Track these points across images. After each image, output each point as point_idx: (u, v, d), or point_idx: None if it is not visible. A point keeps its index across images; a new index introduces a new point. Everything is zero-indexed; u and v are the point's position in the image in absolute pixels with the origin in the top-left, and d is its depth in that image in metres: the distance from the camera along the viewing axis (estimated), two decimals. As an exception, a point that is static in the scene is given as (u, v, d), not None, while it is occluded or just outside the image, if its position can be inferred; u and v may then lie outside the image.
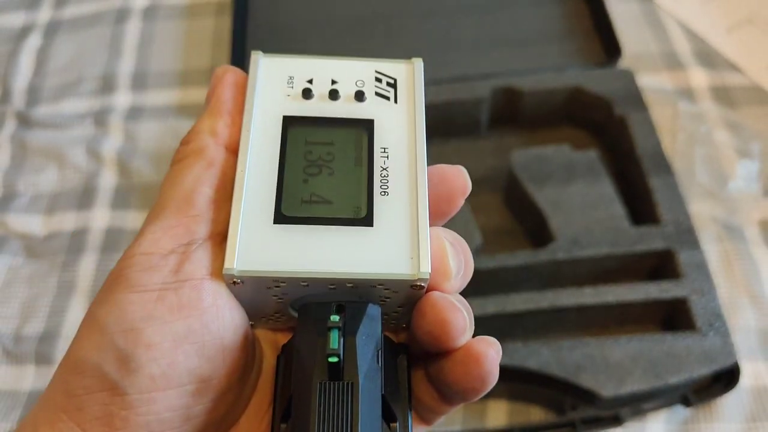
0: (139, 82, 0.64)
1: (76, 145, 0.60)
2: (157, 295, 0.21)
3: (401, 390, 0.23)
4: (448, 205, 0.24)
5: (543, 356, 0.45)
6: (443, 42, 0.63)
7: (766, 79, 0.61)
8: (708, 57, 0.63)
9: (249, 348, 0.23)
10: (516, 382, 0.46)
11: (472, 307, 0.48)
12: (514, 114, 0.59)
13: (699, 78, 0.62)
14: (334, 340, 0.20)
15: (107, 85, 0.64)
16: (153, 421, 0.20)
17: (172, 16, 0.69)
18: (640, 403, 0.45)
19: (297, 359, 0.21)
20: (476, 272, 0.47)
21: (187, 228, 0.22)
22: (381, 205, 0.23)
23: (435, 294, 0.22)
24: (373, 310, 0.22)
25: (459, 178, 0.24)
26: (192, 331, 0.21)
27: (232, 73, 0.25)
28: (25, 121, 0.62)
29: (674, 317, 0.48)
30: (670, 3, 0.67)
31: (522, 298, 0.46)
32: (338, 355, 0.20)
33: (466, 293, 0.50)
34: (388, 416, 0.21)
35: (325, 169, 0.23)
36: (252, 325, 0.24)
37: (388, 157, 0.24)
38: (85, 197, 0.58)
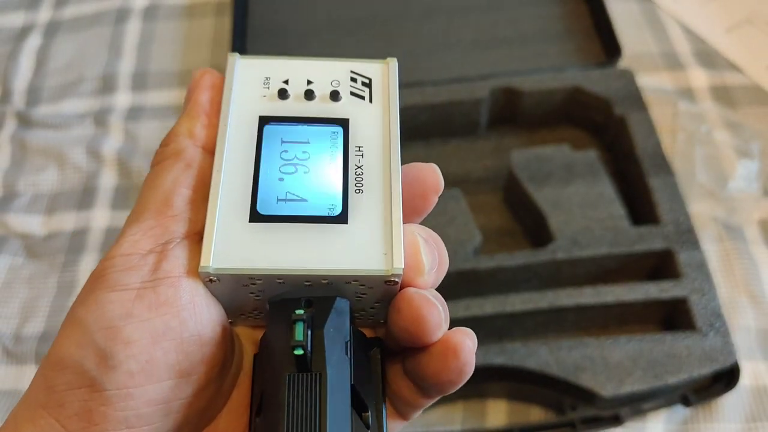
0: (139, 82, 0.64)
1: (76, 145, 0.60)
2: (135, 293, 0.21)
3: (374, 382, 0.24)
4: (422, 203, 0.24)
5: (543, 356, 0.45)
6: (443, 42, 0.63)
7: (766, 79, 0.61)
8: (708, 57, 0.63)
9: (228, 343, 0.23)
10: (516, 382, 0.46)
11: (472, 308, 0.48)
12: (514, 114, 0.59)
13: (699, 78, 0.62)
14: (299, 332, 0.20)
15: (107, 85, 0.64)
16: (132, 416, 0.21)
17: (172, 16, 0.69)
18: (639, 403, 0.45)
19: (267, 353, 0.22)
20: (476, 272, 0.48)
21: (166, 228, 0.22)
22: (355, 203, 0.23)
23: (410, 290, 0.22)
24: (341, 304, 0.22)
25: (432, 176, 0.24)
26: (170, 328, 0.21)
27: (210, 75, 0.26)
28: (25, 121, 0.62)
29: (674, 317, 0.48)
30: (670, 3, 0.67)
31: (521, 298, 0.46)
32: (303, 347, 0.20)
33: (465, 293, 0.50)
34: (359, 406, 0.22)
35: (301, 168, 0.24)
36: (231, 323, 0.25)
37: (362, 155, 0.24)
38: (85, 197, 0.58)
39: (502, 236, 0.54)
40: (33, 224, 0.57)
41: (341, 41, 0.64)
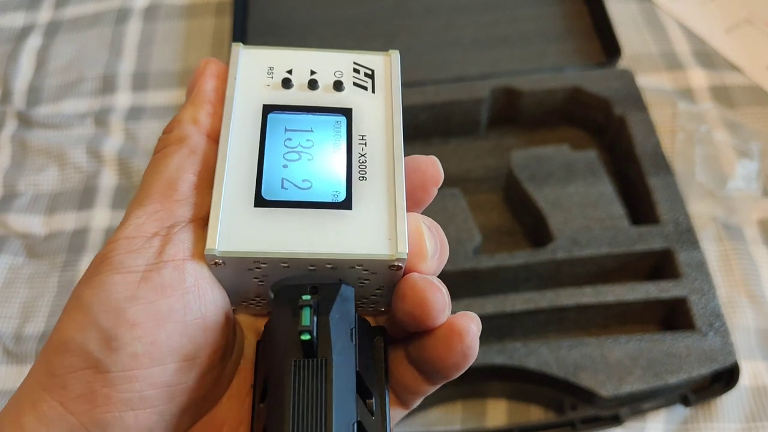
0: (140, 82, 0.65)
1: (77, 145, 0.60)
2: (140, 276, 0.21)
3: (378, 369, 0.24)
4: (422, 194, 0.25)
5: (543, 356, 0.45)
6: (443, 42, 0.63)
7: (765, 79, 0.61)
8: (707, 57, 0.63)
9: (230, 328, 0.24)
10: (516, 381, 0.46)
11: (472, 307, 0.48)
12: (514, 114, 0.59)
13: (698, 78, 0.62)
14: (306, 318, 0.20)
15: (108, 85, 0.64)
16: (135, 398, 0.21)
17: (172, 16, 0.69)
18: (639, 403, 0.45)
19: (272, 339, 0.22)
20: (476, 272, 0.48)
21: (171, 212, 0.22)
22: (359, 190, 0.23)
23: (414, 275, 0.22)
24: (347, 291, 0.23)
25: (432, 168, 0.25)
26: (174, 310, 0.21)
27: (214, 64, 0.26)
28: (25, 121, 0.62)
29: (674, 317, 0.48)
30: (670, 3, 0.67)
31: (521, 298, 0.46)
32: (310, 333, 0.20)
33: (465, 293, 0.50)
34: (363, 393, 0.22)
35: (305, 155, 0.24)
36: (234, 311, 0.25)
37: (366, 144, 0.24)
38: (85, 197, 0.58)
39: (502, 236, 0.54)
40: (33, 224, 0.57)
41: (341, 41, 0.64)
